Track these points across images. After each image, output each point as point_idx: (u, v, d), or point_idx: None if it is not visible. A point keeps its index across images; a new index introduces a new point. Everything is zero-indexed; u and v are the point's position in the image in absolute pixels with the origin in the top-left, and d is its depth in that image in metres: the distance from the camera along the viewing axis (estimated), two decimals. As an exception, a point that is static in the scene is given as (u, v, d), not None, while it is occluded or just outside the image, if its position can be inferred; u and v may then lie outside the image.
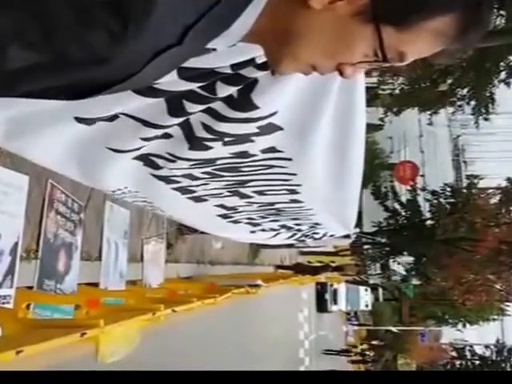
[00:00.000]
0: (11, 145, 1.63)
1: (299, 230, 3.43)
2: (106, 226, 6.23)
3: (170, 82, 1.25)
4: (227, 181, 2.25)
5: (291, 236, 3.67)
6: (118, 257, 6.50)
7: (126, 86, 0.93)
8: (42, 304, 4.83)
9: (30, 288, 4.84)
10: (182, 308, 6.08)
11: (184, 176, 2.12)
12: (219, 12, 0.85)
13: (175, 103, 1.47)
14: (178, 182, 2.18)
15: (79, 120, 1.47)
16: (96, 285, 5.97)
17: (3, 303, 4.33)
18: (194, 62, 1.10)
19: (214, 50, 1.02)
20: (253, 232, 3.35)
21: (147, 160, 1.93)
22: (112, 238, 6.38)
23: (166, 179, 2.13)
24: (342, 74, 0.96)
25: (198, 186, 2.27)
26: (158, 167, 1.98)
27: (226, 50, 1.06)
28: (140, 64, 0.87)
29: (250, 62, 1.34)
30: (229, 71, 1.33)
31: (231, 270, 11.99)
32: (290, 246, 13.61)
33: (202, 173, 2.11)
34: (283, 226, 3.29)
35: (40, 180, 4.90)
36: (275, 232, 3.42)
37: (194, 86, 1.35)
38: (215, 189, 2.35)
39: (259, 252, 14.75)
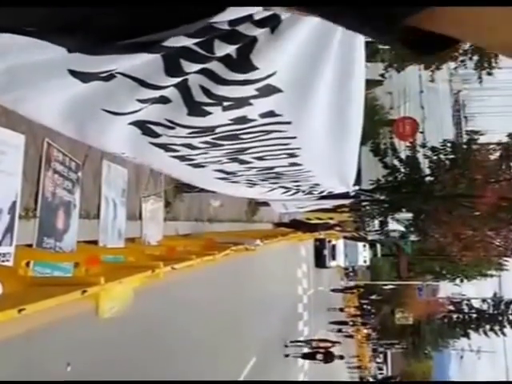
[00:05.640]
0: (5, 98, 1.60)
1: (298, 191, 3.45)
2: (104, 185, 6.22)
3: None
4: (227, 149, 2.24)
5: (287, 192, 3.68)
6: (116, 215, 6.51)
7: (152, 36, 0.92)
8: (42, 262, 4.86)
9: (30, 246, 4.86)
10: (181, 265, 6.12)
11: (183, 145, 2.09)
12: None
13: (172, 62, 1.43)
14: (177, 151, 2.16)
15: (74, 73, 1.42)
16: (95, 243, 6.00)
17: (3, 261, 4.35)
18: None
19: None
20: (250, 186, 3.36)
21: (146, 128, 1.89)
22: (110, 197, 6.37)
23: (165, 147, 2.11)
24: None
25: (197, 155, 2.26)
26: (156, 135, 1.96)
27: None
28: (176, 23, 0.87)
29: (248, 18, 1.30)
30: (226, 27, 1.29)
31: (229, 227, 12.04)
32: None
33: (201, 142, 2.09)
34: (283, 187, 3.30)
35: (36, 139, 4.86)
36: (272, 188, 3.43)
37: (190, 41, 1.31)
38: (214, 157, 2.34)
39: (257, 210, 14.78)
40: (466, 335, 34.87)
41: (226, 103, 1.75)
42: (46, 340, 4.78)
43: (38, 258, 4.80)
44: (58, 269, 5.09)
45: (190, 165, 2.41)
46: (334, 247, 28.26)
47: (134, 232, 7.16)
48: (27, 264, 4.65)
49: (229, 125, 1.94)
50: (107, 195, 6.32)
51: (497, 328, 32.82)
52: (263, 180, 2.94)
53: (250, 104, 1.82)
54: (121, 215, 6.67)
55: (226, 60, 1.50)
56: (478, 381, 37.47)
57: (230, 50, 1.44)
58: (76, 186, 5.66)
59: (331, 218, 18.55)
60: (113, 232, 6.41)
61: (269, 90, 1.75)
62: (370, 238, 23.05)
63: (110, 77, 1.48)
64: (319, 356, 17.95)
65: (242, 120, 1.93)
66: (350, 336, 30.86)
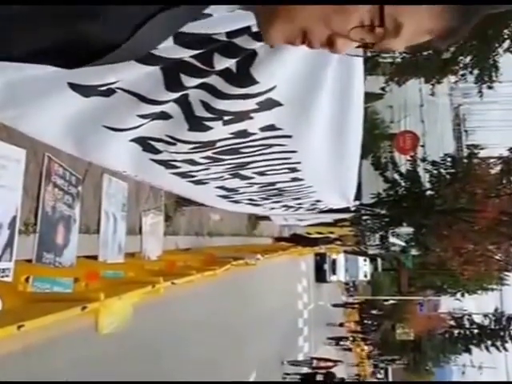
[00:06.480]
0: (4, 116, 1.58)
1: (300, 208, 3.44)
2: (104, 199, 6.20)
3: (166, 47, 1.20)
4: (228, 164, 2.22)
5: (289, 209, 3.67)
6: (116, 229, 6.49)
7: (123, 53, 0.89)
8: (42, 277, 4.83)
9: (29, 261, 4.83)
10: (181, 281, 6.09)
11: (184, 161, 2.08)
12: None
13: (172, 76, 1.42)
14: (178, 168, 2.15)
15: (73, 87, 1.40)
16: (95, 257, 5.97)
17: (2, 276, 4.32)
18: (190, 28, 1.06)
19: (211, 15, 0.99)
20: (253, 206, 3.34)
21: (146, 145, 1.88)
22: (110, 211, 6.35)
23: (166, 164, 2.10)
24: (332, 46, 0.90)
25: (198, 171, 2.25)
26: (157, 151, 1.94)
27: (223, 16, 1.02)
28: (132, 25, 0.83)
29: (246, 30, 1.29)
30: (224, 38, 1.28)
31: (230, 241, 12.01)
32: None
33: (203, 157, 2.08)
34: (285, 206, 3.29)
35: (37, 153, 4.86)
36: (273, 208, 3.42)
37: (189, 53, 1.29)
38: (216, 173, 2.33)
39: (258, 224, 14.76)
40: (468, 351, 34.66)
41: (226, 117, 1.75)
42: (44, 356, 4.74)
43: (37, 274, 4.76)
44: (58, 284, 5.05)
45: (191, 182, 2.40)
46: (334, 262, 28.18)
47: (133, 247, 7.12)
48: (27, 279, 4.62)
49: (229, 139, 1.93)
50: (107, 210, 6.29)
51: (498, 343, 32.62)
52: (265, 198, 2.92)
53: (251, 118, 1.81)
54: (121, 230, 6.64)
55: (225, 74, 1.49)
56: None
57: (230, 63, 1.43)
58: (76, 201, 5.64)
59: (332, 233, 18.51)
60: (113, 247, 6.38)
61: (269, 104, 1.74)
62: (370, 252, 22.98)
63: (110, 92, 1.46)
64: (319, 377, 17.09)
65: (243, 134, 1.92)
66: (349, 349, 30.65)
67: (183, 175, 2.30)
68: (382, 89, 17.89)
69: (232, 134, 1.90)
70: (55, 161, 5.16)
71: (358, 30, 0.87)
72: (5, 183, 4.40)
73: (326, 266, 27.04)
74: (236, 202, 2.93)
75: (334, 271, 28.26)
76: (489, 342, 32.95)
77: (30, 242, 4.82)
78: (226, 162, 2.21)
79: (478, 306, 35.52)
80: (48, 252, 5.09)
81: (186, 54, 1.31)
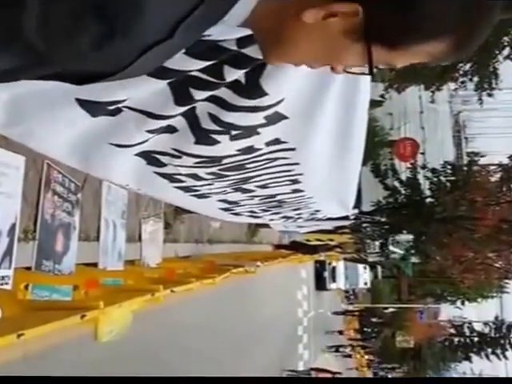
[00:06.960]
0: (11, 131, 1.55)
1: (300, 218, 3.44)
2: (104, 206, 6.19)
3: (176, 58, 1.20)
4: (231, 179, 2.21)
5: (288, 220, 3.67)
6: (116, 237, 6.47)
7: (118, 77, 0.91)
8: (41, 285, 4.81)
9: (29, 269, 4.82)
10: (181, 288, 6.07)
11: (188, 176, 2.06)
12: (212, 3, 0.81)
13: (181, 91, 1.40)
14: (182, 182, 2.13)
15: (82, 103, 1.39)
16: (94, 265, 5.95)
17: (1, 284, 4.30)
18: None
19: (209, 35, 0.98)
20: (254, 218, 3.34)
21: (151, 158, 1.86)
22: (110, 218, 6.34)
23: (170, 177, 2.08)
24: (333, 70, 0.97)
25: (202, 185, 2.23)
26: (162, 165, 1.92)
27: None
28: (129, 59, 0.85)
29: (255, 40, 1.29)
30: (234, 48, 1.27)
31: (229, 248, 11.99)
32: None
33: (207, 173, 2.06)
34: (284, 217, 3.29)
35: (36, 160, 4.85)
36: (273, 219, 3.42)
37: (200, 64, 1.28)
38: (219, 188, 2.32)
39: (257, 231, 14.75)
40: (468, 359, 34.54)
41: (234, 132, 1.72)
42: (44, 365, 4.71)
43: (36, 281, 4.74)
44: (57, 292, 5.03)
45: (194, 196, 2.38)
46: (334, 269, 28.12)
47: (133, 254, 7.10)
48: (26, 287, 4.60)
49: (236, 155, 1.92)
50: (107, 217, 6.28)
51: (499, 351, 32.52)
52: (265, 210, 2.92)
53: (258, 133, 1.79)
54: (120, 237, 6.63)
55: (234, 86, 1.48)
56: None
57: (239, 74, 1.42)
58: (76, 208, 5.63)
59: (331, 240, 18.47)
60: (112, 254, 6.36)
61: (276, 118, 1.73)
62: (370, 259, 22.94)
63: (116, 111, 1.45)
64: None
65: (249, 150, 1.91)
66: (349, 356, 30.57)
67: (187, 189, 2.29)
68: (382, 96, 17.93)
69: (239, 150, 1.89)
70: (54, 168, 5.15)
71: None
72: (4, 190, 4.39)
73: (326, 274, 26.99)
74: (237, 214, 2.92)
75: (333, 279, 28.20)
76: (489, 350, 32.85)
77: (29, 250, 4.80)
78: (229, 178, 2.20)
79: (478, 313, 35.44)
80: (47, 259, 5.08)
81: (195, 67, 1.29)
